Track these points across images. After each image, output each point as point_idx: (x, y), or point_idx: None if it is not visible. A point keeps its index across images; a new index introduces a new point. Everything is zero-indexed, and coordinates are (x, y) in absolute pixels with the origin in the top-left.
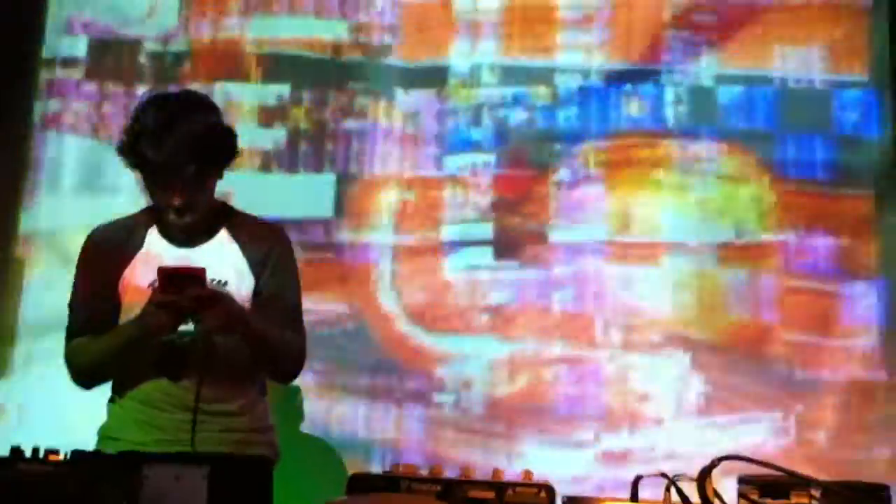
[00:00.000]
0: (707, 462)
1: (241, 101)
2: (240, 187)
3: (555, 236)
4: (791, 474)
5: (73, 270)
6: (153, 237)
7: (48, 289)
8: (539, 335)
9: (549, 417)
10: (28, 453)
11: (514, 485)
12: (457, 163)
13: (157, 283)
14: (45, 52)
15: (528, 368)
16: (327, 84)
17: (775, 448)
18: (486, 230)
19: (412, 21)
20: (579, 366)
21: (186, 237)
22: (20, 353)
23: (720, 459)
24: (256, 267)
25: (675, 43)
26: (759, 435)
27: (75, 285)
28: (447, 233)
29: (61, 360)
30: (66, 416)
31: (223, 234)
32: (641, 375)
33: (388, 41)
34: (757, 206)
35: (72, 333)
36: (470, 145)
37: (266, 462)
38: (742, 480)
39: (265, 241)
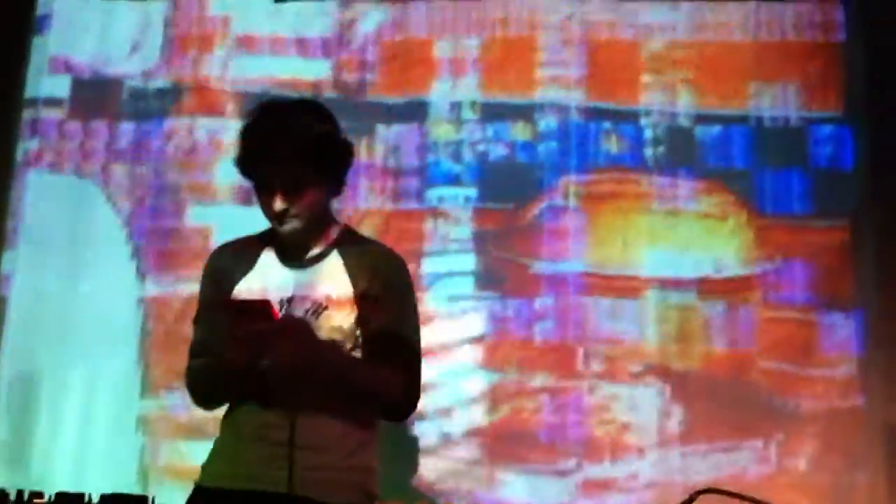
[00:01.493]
0: (686, 495)
1: (221, 138)
2: (222, 221)
3: (536, 268)
4: None
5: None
6: (266, 257)
7: (30, 328)
8: (520, 365)
9: (530, 446)
10: (13, 496)
11: None
12: (438, 195)
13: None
14: (28, 93)
15: (510, 398)
16: None
17: (757, 476)
18: (468, 262)
19: (393, 59)
20: (560, 396)
21: (295, 256)
22: (2, 393)
23: (699, 493)
24: (361, 295)
25: (652, 83)
26: (741, 463)
27: (198, 302)
28: (428, 264)
29: (45, 398)
30: (50, 459)
31: (334, 257)
32: (622, 405)
33: (370, 78)
34: (735, 241)
35: (191, 353)
36: (451, 179)
37: None
38: None
39: (374, 267)
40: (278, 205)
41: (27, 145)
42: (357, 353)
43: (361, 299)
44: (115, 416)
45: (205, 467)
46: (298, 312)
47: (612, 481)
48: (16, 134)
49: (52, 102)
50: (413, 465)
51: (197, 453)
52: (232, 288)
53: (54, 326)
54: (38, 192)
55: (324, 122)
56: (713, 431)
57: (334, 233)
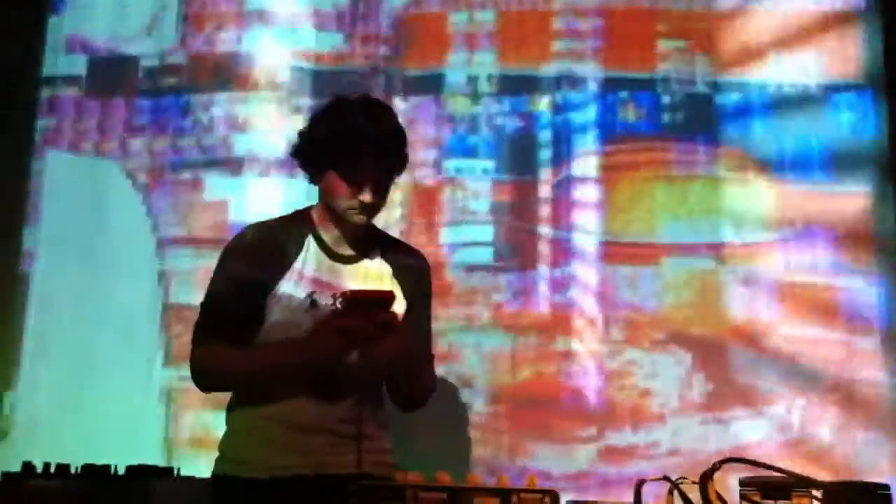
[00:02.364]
0: (709, 463)
1: (239, 111)
2: (239, 193)
3: (555, 238)
4: (792, 475)
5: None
6: (311, 248)
7: (52, 304)
8: (540, 332)
9: (551, 411)
10: (39, 468)
11: (518, 491)
12: (455, 167)
13: (332, 304)
14: (45, 72)
15: (531, 362)
16: (324, 94)
17: (778, 444)
18: (487, 233)
19: (408, 32)
20: (581, 361)
21: (340, 250)
22: (26, 367)
23: (722, 462)
24: (406, 294)
25: (669, 52)
26: (762, 431)
27: (214, 283)
28: (447, 235)
29: (68, 374)
30: (76, 430)
31: (378, 261)
32: (643, 372)
33: (385, 52)
34: (756, 207)
35: (203, 335)
36: (468, 151)
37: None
38: (743, 482)
39: (415, 268)
40: (367, 197)
41: (46, 123)
42: None
43: (405, 296)
44: (139, 388)
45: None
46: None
47: (634, 448)
48: (34, 113)
49: (70, 81)
50: (435, 436)
51: (221, 424)
52: (276, 276)
53: (76, 301)
54: (58, 168)
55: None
56: (734, 398)
57: (375, 232)
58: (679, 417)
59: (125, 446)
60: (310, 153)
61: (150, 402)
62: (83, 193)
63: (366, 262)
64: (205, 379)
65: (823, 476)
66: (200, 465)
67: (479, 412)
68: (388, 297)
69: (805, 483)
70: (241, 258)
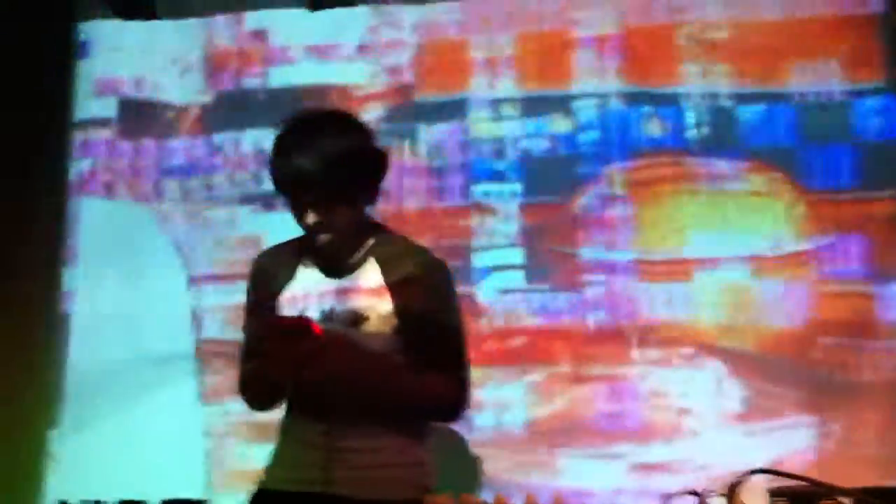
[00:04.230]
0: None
1: (267, 147)
2: (272, 228)
3: (585, 258)
4: (819, 485)
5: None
6: (305, 268)
7: (92, 343)
8: (574, 355)
9: (587, 435)
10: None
11: None
12: (483, 191)
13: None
14: (77, 116)
15: (565, 388)
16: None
17: (819, 453)
18: (517, 255)
19: (429, 60)
20: (615, 383)
21: (334, 266)
22: (70, 406)
23: (748, 473)
24: (396, 292)
25: (690, 66)
26: (801, 441)
27: (245, 311)
28: (477, 260)
29: (112, 412)
30: (119, 466)
31: (370, 264)
32: (678, 390)
33: (407, 80)
34: (785, 218)
35: (240, 360)
36: (495, 175)
37: None
38: (773, 493)
39: (405, 266)
40: (310, 219)
41: (79, 165)
42: (401, 359)
43: (400, 305)
44: (179, 425)
45: (267, 470)
46: (340, 324)
47: (670, 464)
48: (68, 156)
49: (101, 123)
50: (469, 458)
51: (260, 456)
52: (274, 296)
53: (116, 339)
54: (94, 210)
55: (351, 134)
56: (772, 410)
57: (370, 239)
58: (716, 431)
59: (168, 482)
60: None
61: (191, 437)
62: (118, 234)
63: (359, 273)
64: (246, 399)
65: (865, 484)
66: (242, 498)
67: (514, 436)
68: (305, 323)
69: (832, 491)
70: (248, 284)
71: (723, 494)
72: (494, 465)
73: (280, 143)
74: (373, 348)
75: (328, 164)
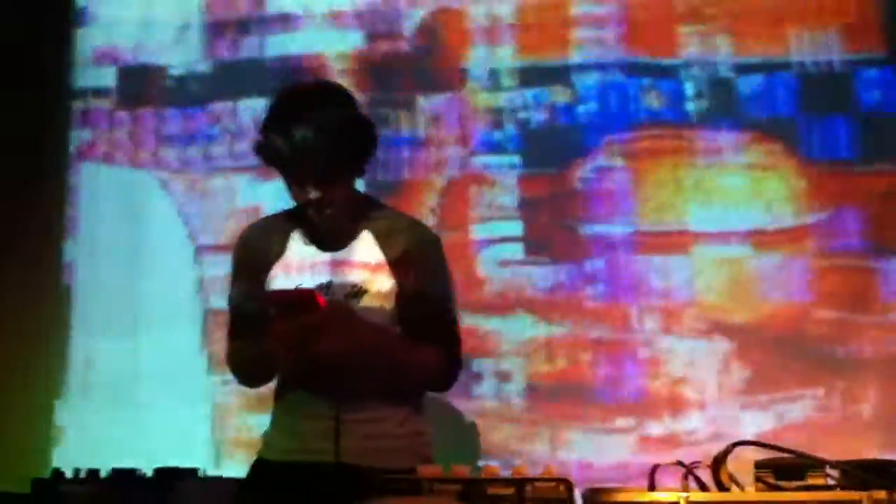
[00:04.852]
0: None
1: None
2: (270, 197)
3: (584, 231)
4: (805, 457)
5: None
6: (295, 242)
7: (95, 314)
8: (574, 324)
9: (588, 401)
10: (69, 474)
11: (533, 480)
12: (482, 163)
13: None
14: (76, 84)
15: (566, 351)
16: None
17: (820, 425)
18: (517, 228)
19: (428, 29)
20: (616, 350)
21: (329, 239)
22: (75, 377)
23: (734, 445)
24: (394, 268)
25: (690, 36)
26: (803, 412)
27: (230, 286)
28: (477, 231)
29: (115, 381)
30: (123, 436)
31: (366, 235)
32: (679, 361)
33: (405, 49)
34: (785, 191)
35: (229, 335)
36: (494, 147)
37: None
38: (759, 465)
39: (402, 238)
40: (312, 193)
41: (79, 135)
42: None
43: (396, 276)
44: (184, 393)
45: (265, 441)
46: (338, 296)
47: (673, 436)
48: (68, 125)
49: (100, 93)
50: (472, 428)
51: (261, 425)
52: (265, 269)
53: (119, 310)
54: (93, 180)
55: (346, 106)
56: (773, 383)
57: (361, 210)
58: (717, 404)
59: (172, 450)
60: (259, 157)
61: (195, 406)
62: (119, 204)
63: (354, 245)
64: (235, 375)
65: (866, 456)
66: (245, 465)
67: (516, 404)
68: (309, 295)
69: (819, 463)
70: (236, 259)
71: (708, 466)
72: (493, 435)
73: (275, 116)
74: (373, 321)
75: (328, 136)
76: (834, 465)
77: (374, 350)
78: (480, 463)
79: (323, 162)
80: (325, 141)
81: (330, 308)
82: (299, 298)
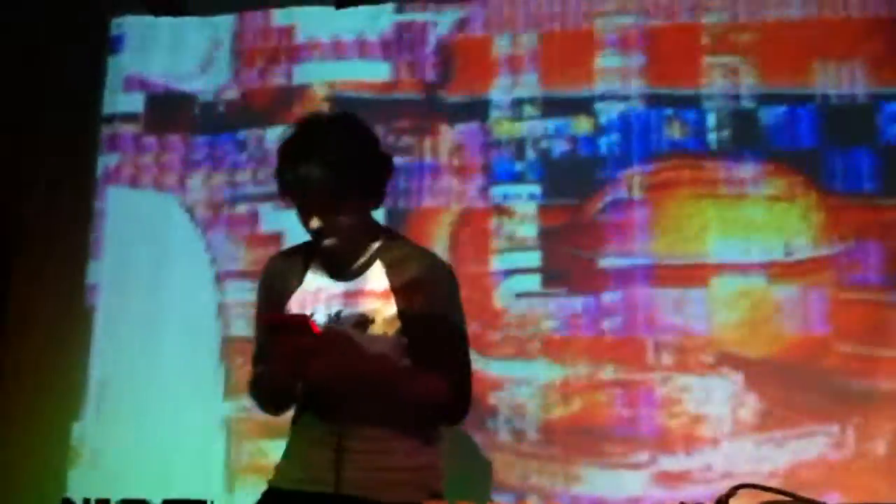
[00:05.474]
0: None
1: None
2: (293, 223)
3: (602, 262)
4: (805, 500)
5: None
6: (313, 271)
7: (116, 337)
8: (590, 360)
9: (603, 440)
10: (79, 503)
11: None
12: (502, 193)
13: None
14: (106, 110)
15: (581, 392)
16: (373, 124)
17: (834, 461)
18: (535, 259)
19: (452, 58)
20: (632, 388)
21: (340, 269)
22: (93, 398)
23: (736, 488)
24: (400, 293)
25: (713, 66)
26: (818, 449)
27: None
28: (495, 262)
29: (133, 405)
30: (140, 459)
31: (377, 267)
32: (695, 396)
33: (430, 78)
34: (805, 223)
35: (253, 360)
36: (514, 176)
37: None
38: None
39: (413, 265)
40: (314, 223)
41: (106, 160)
42: (406, 361)
43: (405, 307)
44: (200, 419)
45: (278, 469)
46: (346, 326)
47: (688, 473)
48: (96, 150)
49: (129, 118)
50: (485, 463)
51: (277, 451)
52: (283, 300)
53: (139, 333)
54: (119, 204)
55: (356, 139)
56: (788, 418)
57: (376, 242)
58: (733, 439)
59: (187, 475)
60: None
61: (211, 431)
62: (144, 228)
63: (366, 275)
64: (255, 402)
65: (882, 496)
66: (258, 492)
67: (531, 441)
68: (302, 320)
69: None
70: (259, 289)
71: None
72: (508, 471)
73: (284, 149)
74: (374, 349)
75: (330, 169)
76: None
77: (367, 377)
78: (495, 496)
79: (323, 193)
80: (325, 173)
81: (325, 334)
82: (292, 322)
